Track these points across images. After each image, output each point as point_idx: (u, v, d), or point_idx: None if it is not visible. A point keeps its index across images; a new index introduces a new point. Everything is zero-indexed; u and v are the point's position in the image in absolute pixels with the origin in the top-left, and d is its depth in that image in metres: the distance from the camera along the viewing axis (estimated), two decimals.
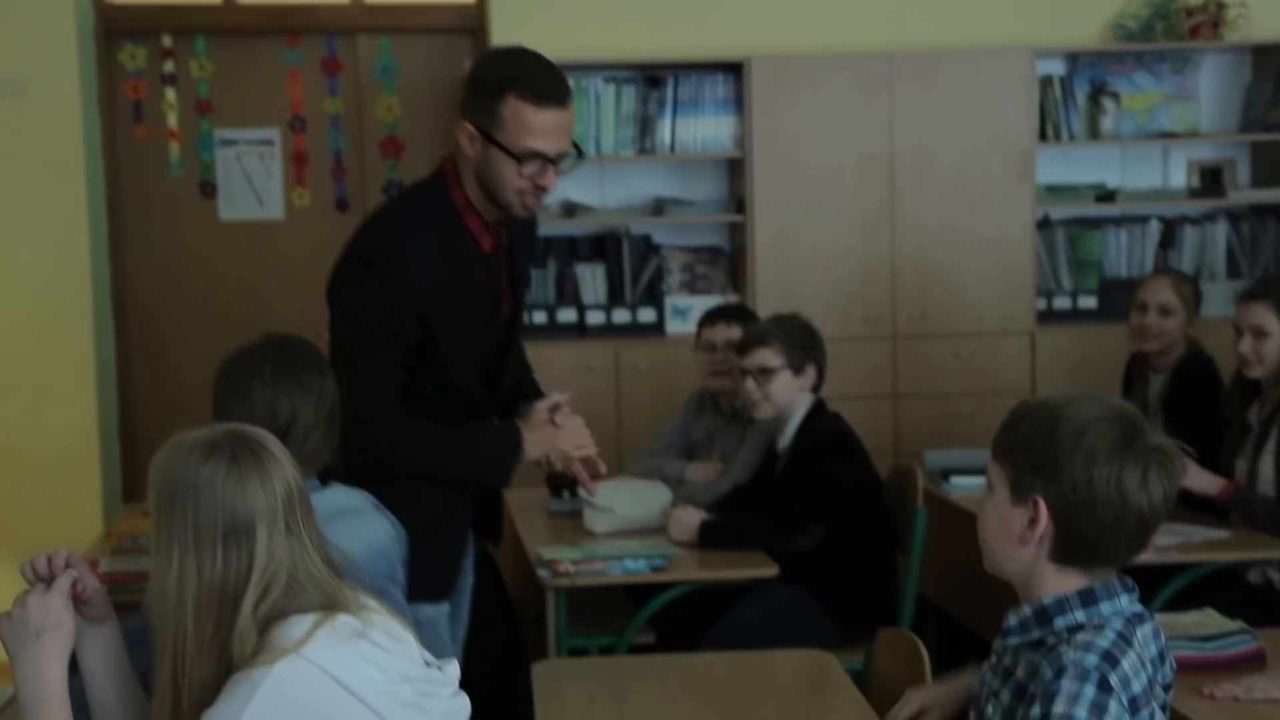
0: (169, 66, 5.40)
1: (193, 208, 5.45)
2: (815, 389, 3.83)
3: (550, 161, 2.66)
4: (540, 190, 2.69)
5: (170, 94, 5.41)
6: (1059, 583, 1.85)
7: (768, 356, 3.76)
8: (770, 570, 3.54)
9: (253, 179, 5.49)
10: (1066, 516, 1.81)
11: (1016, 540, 1.85)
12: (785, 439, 3.82)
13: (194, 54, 5.40)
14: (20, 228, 5.07)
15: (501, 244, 2.82)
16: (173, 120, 5.43)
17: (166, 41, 5.38)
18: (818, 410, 3.82)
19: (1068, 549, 1.83)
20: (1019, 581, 1.90)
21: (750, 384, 3.78)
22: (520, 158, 2.63)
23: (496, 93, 2.64)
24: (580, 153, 2.75)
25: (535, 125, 2.62)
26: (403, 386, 2.74)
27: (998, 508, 1.89)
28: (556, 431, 2.83)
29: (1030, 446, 1.84)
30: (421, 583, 2.67)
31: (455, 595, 3.00)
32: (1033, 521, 1.83)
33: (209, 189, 5.46)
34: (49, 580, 1.97)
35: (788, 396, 3.78)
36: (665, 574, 3.52)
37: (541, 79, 2.65)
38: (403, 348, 2.71)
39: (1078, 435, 1.81)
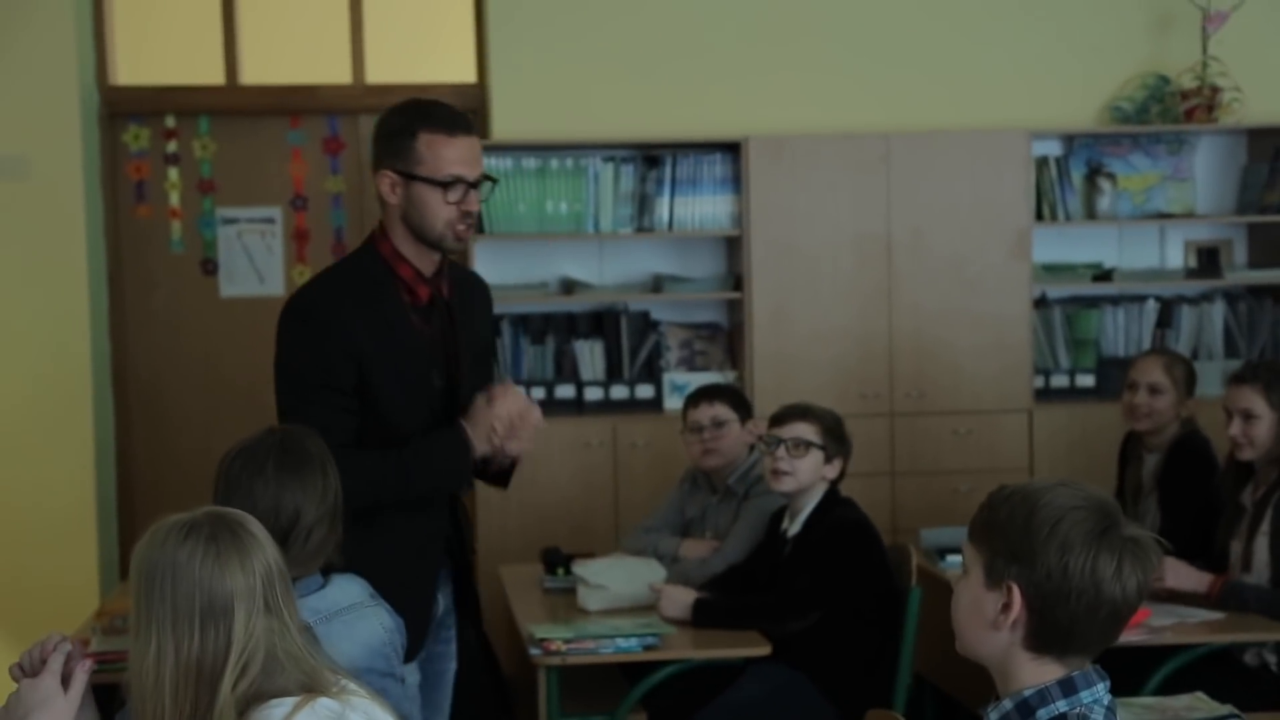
0: (172, 146, 5.45)
1: (194, 284, 5.49)
2: (833, 483, 3.83)
3: (472, 186, 2.80)
4: (467, 216, 2.80)
5: (173, 173, 5.46)
6: (1036, 672, 1.83)
7: (806, 431, 3.76)
8: (764, 650, 3.52)
9: (254, 256, 5.53)
10: (1040, 604, 1.80)
11: (989, 625, 1.84)
12: (796, 523, 3.80)
13: (197, 134, 5.46)
14: (21, 304, 5.10)
15: (441, 296, 2.88)
16: (175, 199, 5.47)
17: (170, 122, 5.44)
18: (832, 496, 3.82)
19: (1041, 636, 1.82)
20: (993, 666, 1.88)
21: (781, 453, 3.76)
22: (445, 184, 2.77)
23: (409, 134, 2.78)
24: (494, 180, 2.89)
25: (451, 153, 2.77)
26: (352, 432, 2.77)
27: (971, 590, 1.88)
28: (490, 409, 2.82)
29: (1006, 531, 1.83)
30: None
31: (430, 666, 2.99)
32: (1006, 607, 1.82)
33: (210, 266, 5.50)
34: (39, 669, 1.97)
35: (812, 478, 3.77)
36: (658, 653, 3.50)
37: (446, 112, 2.83)
38: (341, 391, 2.76)
39: (1054, 523, 1.80)
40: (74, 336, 5.16)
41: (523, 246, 5.36)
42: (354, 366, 2.76)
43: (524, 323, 5.35)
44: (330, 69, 5.52)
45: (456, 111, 2.86)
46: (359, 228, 5.55)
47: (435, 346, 2.86)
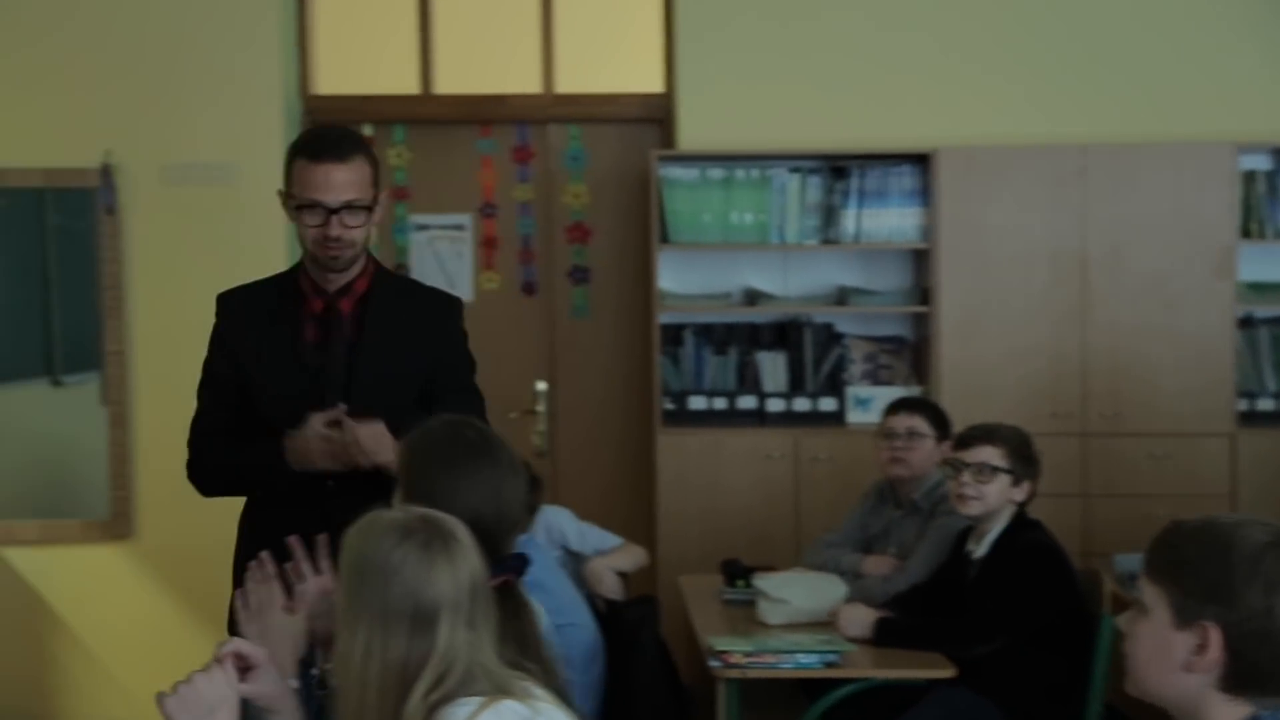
0: None
1: None
2: (1021, 505, 3.74)
3: (332, 212, 2.89)
4: (330, 239, 2.91)
5: None
6: (1229, 714, 1.75)
7: (993, 455, 3.69)
8: (948, 672, 3.44)
9: (444, 262, 5.63)
10: (1240, 645, 1.72)
11: (1180, 667, 1.76)
12: (982, 546, 3.71)
13: (393, 142, 5.59)
14: None
15: (336, 309, 3.00)
16: None
17: (367, 130, 5.56)
18: (1020, 519, 3.72)
19: (1239, 678, 1.74)
20: (1179, 708, 1.80)
21: (967, 478, 3.69)
22: (301, 207, 2.92)
23: (290, 159, 2.97)
24: (369, 209, 2.94)
25: (310, 179, 2.90)
26: (223, 421, 3.03)
27: (1157, 631, 1.79)
28: (311, 447, 2.90)
29: (1199, 570, 1.75)
30: None
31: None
32: (1201, 648, 1.74)
33: (403, 271, 5.61)
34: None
35: (999, 502, 3.69)
36: (839, 670, 3.45)
37: (320, 140, 2.96)
38: (222, 381, 3.04)
39: (1253, 561, 1.73)
40: None
41: (707, 257, 5.36)
42: (233, 361, 3.02)
43: (707, 333, 5.34)
44: (521, 79, 5.59)
45: (336, 140, 2.96)
46: (547, 235, 5.61)
47: (321, 352, 2.99)
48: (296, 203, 2.94)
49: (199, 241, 5.28)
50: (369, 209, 2.95)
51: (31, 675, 5.25)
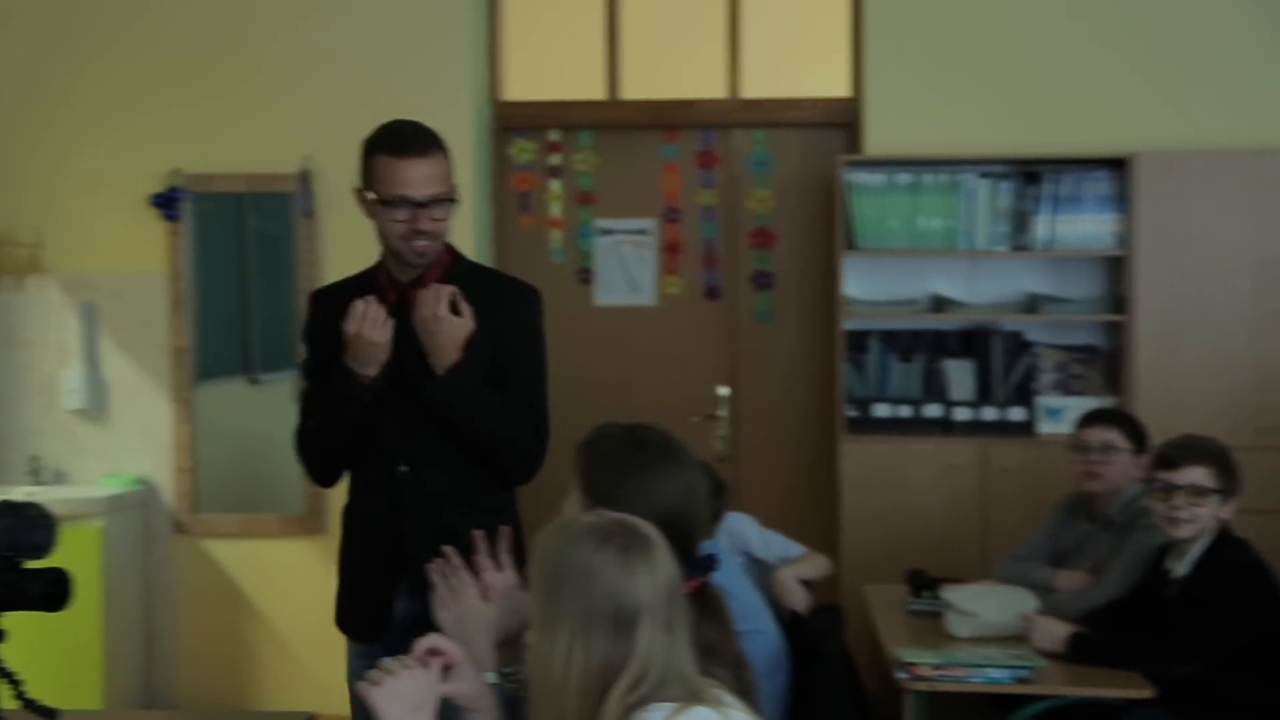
0: (555, 159, 5.65)
1: (570, 292, 5.67)
2: (1224, 522, 3.61)
3: (420, 206, 2.95)
4: (419, 234, 2.97)
5: (555, 185, 5.66)
6: None
7: (1204, 476, 3.57)
8: (1146, 692, 3.34)
9: (628, 266, 5.66)
10: None
11: None
12: (1185, 564, 3.59)
13: (578, 148, 5.64)
14: None
15: (406, 301, 3.03)
16: (556, 210, 5.67)
17: (554, 136, 5.64)
18: (1224, 536, 3.60)
19: None
20: None
21: (1179, 501, 3.57)
22: (390, 203, 2.95)
23: (369, 156, 3.02)
24: (453, 200, 3.00)
25: (395, 175, 2.96)
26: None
27: None
28: (356, 344, 2.96)
29: None
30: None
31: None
32: None
33: (586, 275, 5.67)
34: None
35: (1210, 522, 3.58)
36: (1030, 686, 3.37)
37: (400, 135, 3.01)
38: (316, 373, 3.12)
39: None
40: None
41: (893, 263, 5.29)
42: (323, 353, 3.09)
43: (891, 339, 5.28)
44: (706, 83, 5.60)
45: (416, 135, 3.01)
46: (730, 240, 5.61)
47: (396, 341, 2.99)
48: (382, 199, 2.97)
49: None
50: (453, 201, 3.02)
51: (231, 662, 5.44)
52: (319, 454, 3.15)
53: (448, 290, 3.00)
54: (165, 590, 5.43)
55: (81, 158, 5.45)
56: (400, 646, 2.98)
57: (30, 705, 2.70)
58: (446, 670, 2.09)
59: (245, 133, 5.38)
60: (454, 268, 3.11)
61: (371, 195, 3.00)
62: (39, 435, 5.44)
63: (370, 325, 2.93)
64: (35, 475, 5.38)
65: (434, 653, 2.10)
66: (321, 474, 3.20)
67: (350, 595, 3.17)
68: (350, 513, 3.19)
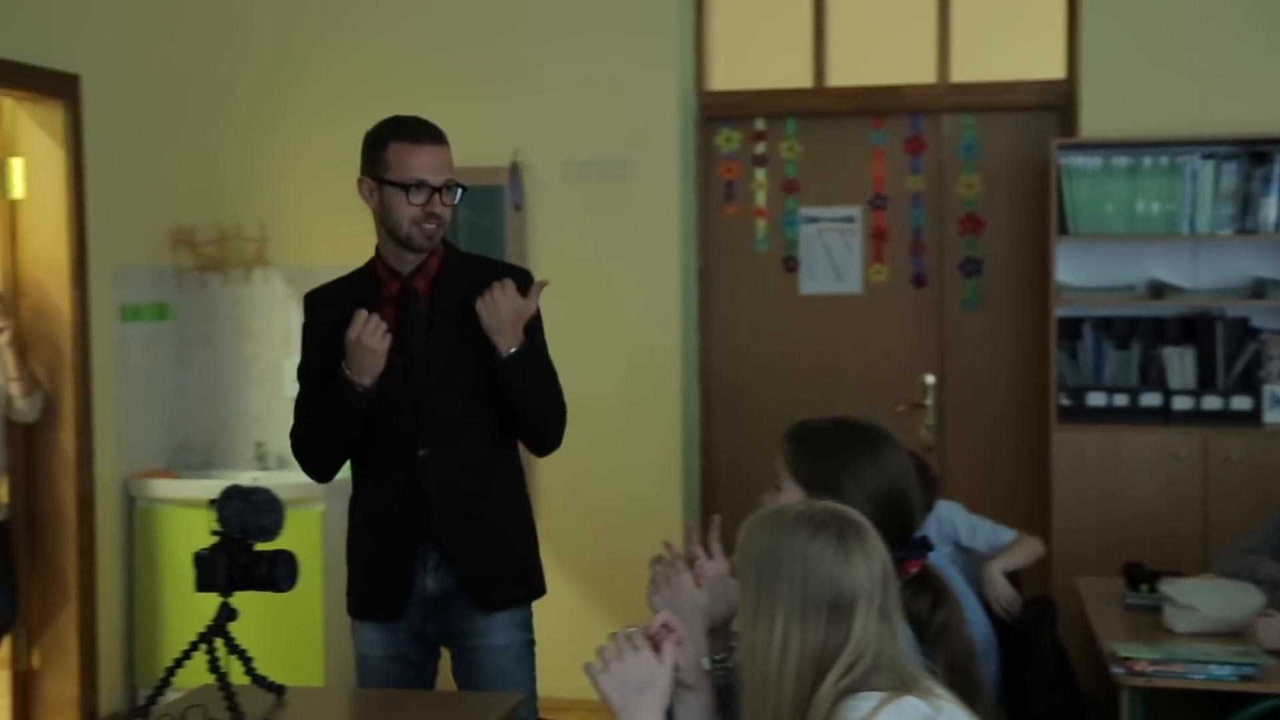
0: (760, 148, 5.65)
1: (775, 281, 5.66)
2: None
3: (435, 190, 3.07)
4: (431, 217, 3.08)
5: (760, 174, 5.66)
6: None
7: None
8: None
9: (833, 254, 5.63)
10: None
11: None
12: None
13: (784, 136, 5.63)
14: (624, 297, 5.47)
15: (414, 289, 3.15)
16: (761, 199, 5.67)
17: (759, 125, 5.64)
18: None
19: None
20: None
21: None
22: (408, 186, 3.06)
23: (381, 144, 3.12)
24: (464, 188, 3.12)
25: (415, 160, 3.08)
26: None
27: None
28: (355, 351, 3.04)
29: None
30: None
31: (454, 644, 3.23)
32: None
33: (791, 264, 5.65)
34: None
35: None
36: (1256, 684, 3.25)
37: (414, 125, 3.14)
38: (314, 374, 3.17)
39: None
40: (667, 327, 5.47)
41: (1109, 248, 5.15)
42: (320, 352, 3.16)
43: (1107, 326, 5.14)
44: (915, 69, 5.53)
45: (428, 125, 3.15)
46: (937, 227, 5.53)
47: (400, 330, 3.11)
48: (400, 183, 3.06)
49: (597, 236, 5.48)
50: (463, 189, 3.13)
51: None
52: (316, 454, 3.22)
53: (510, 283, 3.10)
54: None
55: (304, 154, 5.67)
56: (430, 620, 3.17)
57: (259, 681, 2.84)
58: (677, 646, 2.11)
59: (458, 126, 5.41)
60: (449, 257, 3.22)
61: (387, 179, 3.08)
62: (264, 422, 5.69)
63: (370, 333, 3.02)
64: (260, 460, 5.62)
65: (667, 627, 2.11)
66: (319, 472, 3.26)
67: (369, 578, 3.22)
68: (364, 500, 3.25)
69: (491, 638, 3.20)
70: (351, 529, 3.28)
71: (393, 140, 3.11)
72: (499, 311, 3.06)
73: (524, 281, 3.18)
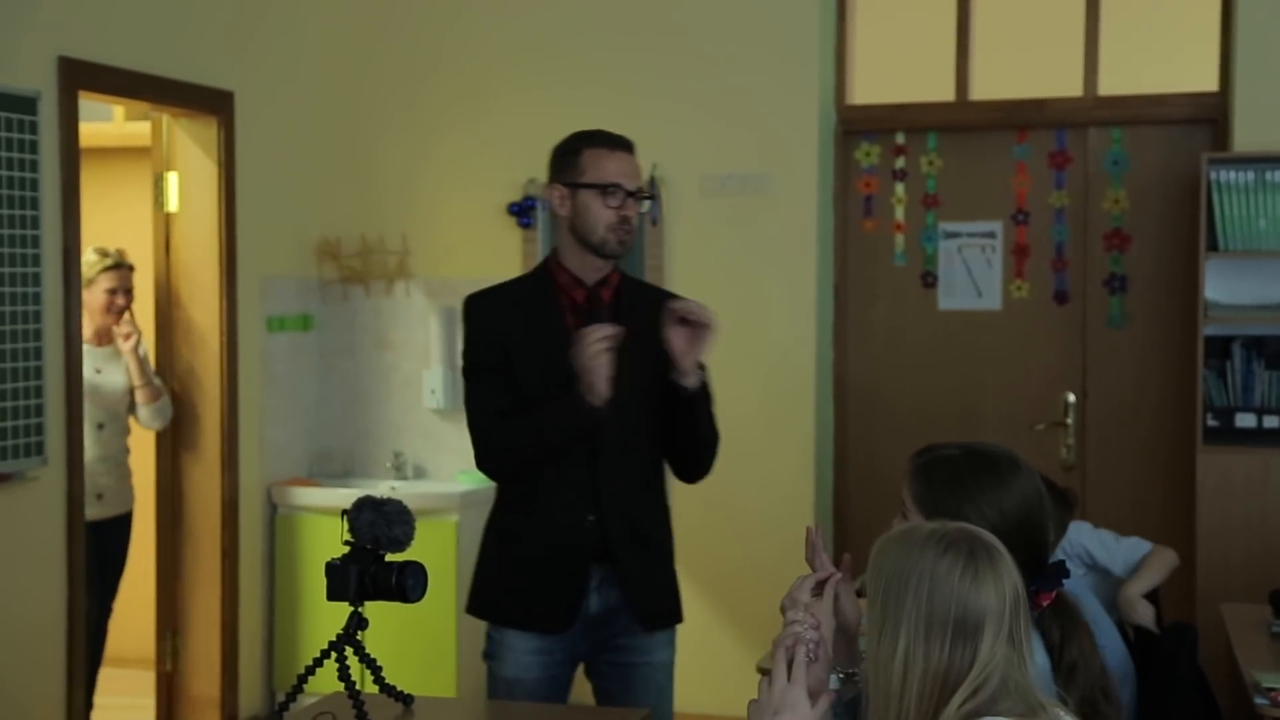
0: (900, 163, 5.60)
1: (913, 296, 5.60)
2: None
3: (630, 195, 3.13)
4: (625, 221, 3.13)
5: (899, 189, 5.61)
6: None
7: None
8: None
9: (973, 270, 5.55)
10: None
11: None
12: None
13: (925, 150, 5.57)
14: (760, 310, 5.45)
15: (600, 299, 3.18)
16: (900, 214, 5.61)
17: (899, 139, 5.58)
18: None
19: None
20: None
21: None
22: (605, 188, 3.11)
23: (575, 152, 3.18)
24: (653, 197, 3.08)
25: (611, 165, 3.15)
26: (501, 407, 3.15)
27: None
28: (588, 361, 3.02)
29: None
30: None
31: (611, 660, 3.21)
32: None
33: (930, 279, 5.58)
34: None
35: None
36: None
37: (607, 133, 3.21)
38: (491, 372, 3.16)
39: None
40: (802, 341, 5.45)
41: (1261, 265, 4.99)
42: (500, 352, 3.15)
43: (1258, 346, 4.98)
44: (1061, 81, 5.43)
45: (619, 135, 3.21)
46: (1081, 243, 5.42)
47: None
48: (596, 185, 3.11)
49: (734, 251, 5.48)
50: (652, 198, 3.14)
51: None
52: (517, 464, 3.18)
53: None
54: None
55: (446, 170, 5.77)
56: (587, 637, 3.19)
57: (388, 690, 2.88)
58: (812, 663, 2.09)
59: None
60: (624, 277, 3.27)
61: (582, 184, 3.12)
62: (402, 432, 5.79)
63: (594, 351, 3.01)
64: (398, 470, 5.72)
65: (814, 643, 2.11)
66: (509, 478, 3.25)
67: (534, 590, 3.17)
68: (528, 510, 3.20)
69: (652, 655, 3.23)
70: (507, 537, 3.25)
71: (587, 147, 3.17)
72: (694, 351, 3.08)
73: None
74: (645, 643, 3.22)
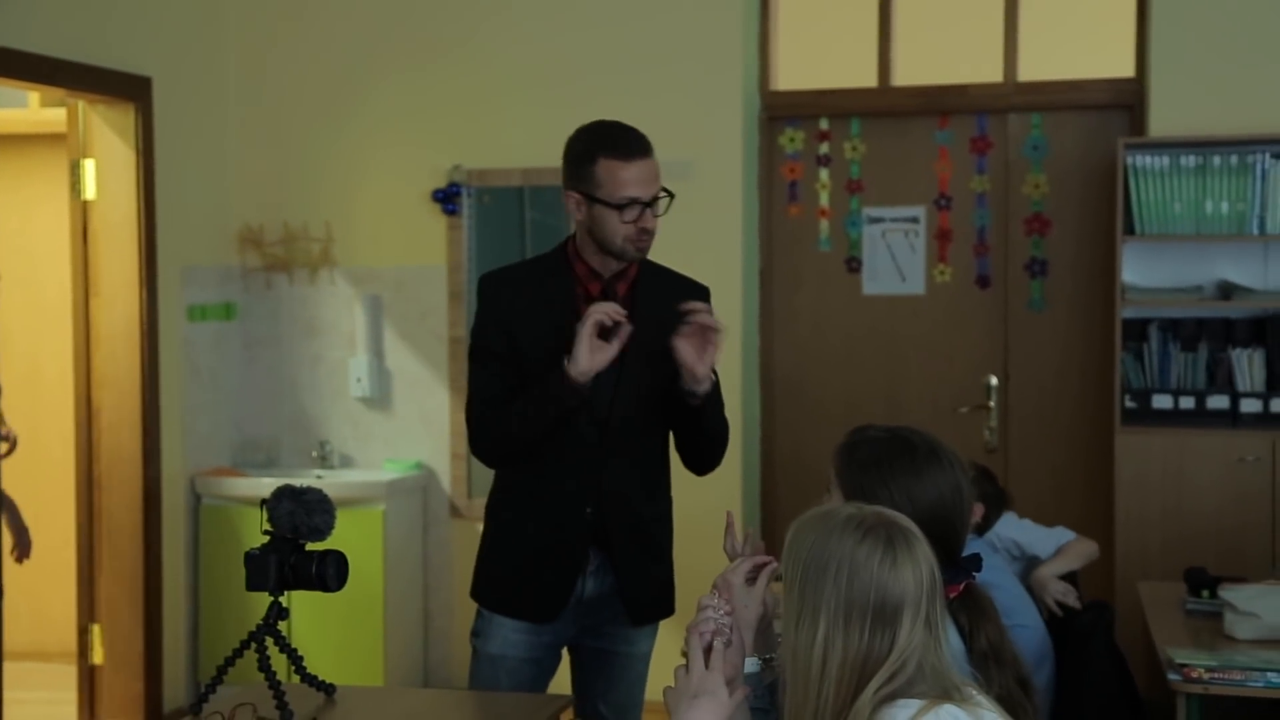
0: (824, 148, 5.63)
1: (838, 282, 5.63)
2: None
3: (646, 205, 3.01)
4: (644, 232, 3.04)
5: (824, 174, 5.64)
6: None
7: None
8: None
9: (896, 255, 5.59)
10: None
11: None
12: None
13: (848, 136, 5.60)
14: None
15: (614, 292, 3.10)
16: (824, 199, 5.65)
17: (823, 125, 5.61)
18: None
19: None
20: None
21: None
22: (620, 207, 2.99)
23: (589, 160, 3.02)
24: (671, 195, 3.04)
25: (626, 177, 2.99)
26: (501, 392, 3.09)
27: None
28: (585, 344, 2.96)
29: None
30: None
31: (595, 644, 3.21)
32: None
33: (854, 264, 5.62)
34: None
35: None
36: None
37: (623, 138, 3.03)
38: (495, 356, 3.10)
39: None
40: (728, 329, 5.41)
41: (1176, 249, 5.07)
42: (505, 336, 3.10)
43: (1174, 328, 5.06)
44: (981, 68, 5.48)
45: (634, 134, 3.05)
46: (1002, 228, 5.48)
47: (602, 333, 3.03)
48: (612, 203, 2.98)
49: (659, 236, 5.45)
50: (671, 197, 3.06)
51: None
52: (506, 446, 3.11)
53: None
54: (442, 571, 5.65)
55: (369, 157, 5.72)
56: (576, 622, 3.17)
57: (310, 680, 2.87)
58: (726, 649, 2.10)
59: (522, 128, 5.55)
60: (644, 266, 3.17)
61: (598, 198, 3.00)
62: (328, 421, 5.75)
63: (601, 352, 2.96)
64: (324, 460, 5.69)
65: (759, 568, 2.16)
66: (499, 462, 3.19)
67: (527, 576, 3.15)
68: (527, 496, 3.17)
69: (635, 645, 3.23)
70: (502, 522, 3.20)
71: (602, 156, 3.01)
72: (704, 360, 3.00)
73: (704, 299, 3.16)
74: (630, 633, 3.21)
